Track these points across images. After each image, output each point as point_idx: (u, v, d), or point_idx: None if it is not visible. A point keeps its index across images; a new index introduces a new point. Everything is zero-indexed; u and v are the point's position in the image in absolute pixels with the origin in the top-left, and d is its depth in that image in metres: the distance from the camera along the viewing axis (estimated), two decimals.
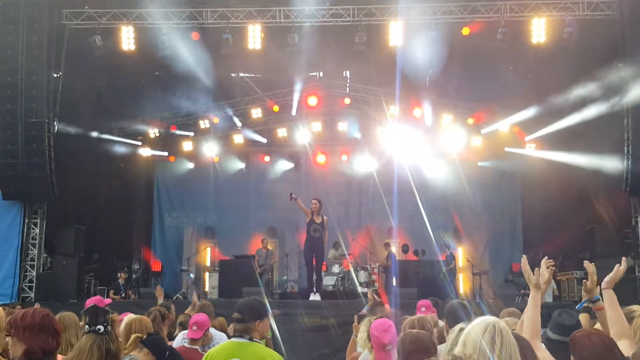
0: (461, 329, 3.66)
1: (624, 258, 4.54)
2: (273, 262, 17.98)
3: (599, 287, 4.46)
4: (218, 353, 4.90)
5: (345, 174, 21.16)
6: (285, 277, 19.72)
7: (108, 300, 8.02)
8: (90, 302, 7.30)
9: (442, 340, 5.27)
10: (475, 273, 17.98)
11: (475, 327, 2.91)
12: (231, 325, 6.66)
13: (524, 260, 4.53)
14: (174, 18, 15.26)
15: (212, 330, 7.25)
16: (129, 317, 5.94)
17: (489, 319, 2.94)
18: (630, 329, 4.54)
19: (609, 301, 4.29)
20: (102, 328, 4.29)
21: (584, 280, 4.58)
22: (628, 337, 4.03)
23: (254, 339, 4.78)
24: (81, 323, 5.48)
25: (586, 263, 4.63)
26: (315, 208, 15.15)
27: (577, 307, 5.13)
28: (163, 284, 19.03)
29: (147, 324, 5.64)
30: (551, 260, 4.52)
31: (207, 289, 18.44)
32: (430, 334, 5.05)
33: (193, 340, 6.53)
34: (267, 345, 9.36)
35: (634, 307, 4.87)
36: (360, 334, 5.83)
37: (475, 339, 2.85)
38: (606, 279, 4.40)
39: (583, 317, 5.53)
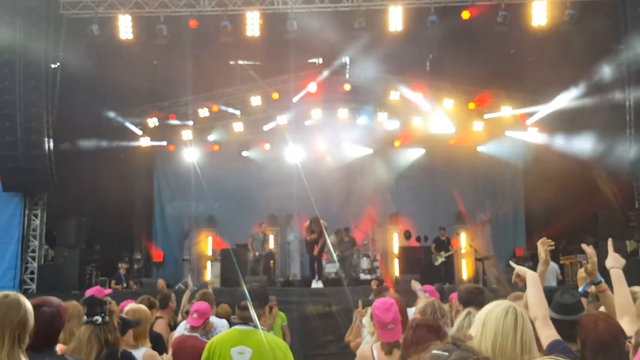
0: (468, 313, 3.63)
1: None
2: (269, 250, 17.89)
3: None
4: (223, 341, 4.86)
5: (346, 160, 21.09)
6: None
7: (108, 291, 7.99)
8: (89, 292, 7.27)
9: None
10: (478, 258, 17.96)
11: (496, 310, 2.91)
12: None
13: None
14: (171, 6, 15.17)
15: (214, 318, 7.21)
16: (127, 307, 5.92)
17: (505, 302, 2.93)
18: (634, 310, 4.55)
19: (618, 279, 4.32)
20: (99, 319, 4.28)
21: (584, 262, 4.60)
22: (630, 314, 4.04)
23: (259, 326, 4.75)
24: None
25: (584, 246, 4.68)
26: (317, 229, 15.51)
27: (579, 290, 5.12)
28: (164, 273, 19.03)
29: (140, 312, 5.63)
30: (549, 240, 4.54)
31: (208, 278, 18.41)
32: (445, 319, 5.06)
33: (192, 328, 6.50)
34: (283, 332, 9.38)
35: (636, 289, 4.88)
36: (366, 319, 5.81)
37: (497, 322, 2.84)
38: (610, 260, 4.45)
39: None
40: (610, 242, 4.65)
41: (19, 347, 3.30)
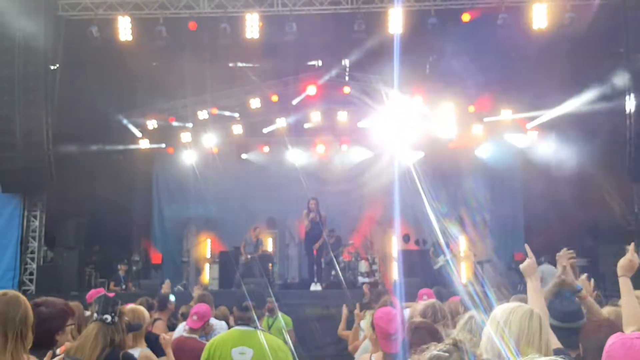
0: (470, 317, 3.61)
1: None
2: (262, 253, 17.83)
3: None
4: (224, 341, 4.84)
5: (345, 163, 21.08)
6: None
7: (111, 294, 7.96)
8: (91, 294, 7.26)
9: None
10: (478, 262, 17.91)
11: (518, 311, 2.92)
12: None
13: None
14: (170, 8, 15.15)
15: (212, 320, 7.19)
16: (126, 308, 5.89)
17: (523, 304, 2.96)
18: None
19: (626, 289, 4.18)
20: (109, 318, 4.28)
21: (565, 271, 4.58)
22: (636, 324, 4.00)
23: (258, 327, 4.74)
24: (87, 313, 5.49)
25: (561, 254, 4.62)
26: (314, 208, 15.46)
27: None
28: (163, 276, 18.99)
29: (138, 314, 5.60)
30: (571, 251, 4.49)
31: (207, 280, 18.39)
32: (445, 320, 5.04)
33: (191, 330, 6.47)
34: (289, 336, 9.39)
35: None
36: (364, 322, 5.78)
37: (522, 323, 2.86)
38: (621, 266, 4.27)
39: None
40: (632, 246, 4.31)
41: (22, 346, 3.24)
